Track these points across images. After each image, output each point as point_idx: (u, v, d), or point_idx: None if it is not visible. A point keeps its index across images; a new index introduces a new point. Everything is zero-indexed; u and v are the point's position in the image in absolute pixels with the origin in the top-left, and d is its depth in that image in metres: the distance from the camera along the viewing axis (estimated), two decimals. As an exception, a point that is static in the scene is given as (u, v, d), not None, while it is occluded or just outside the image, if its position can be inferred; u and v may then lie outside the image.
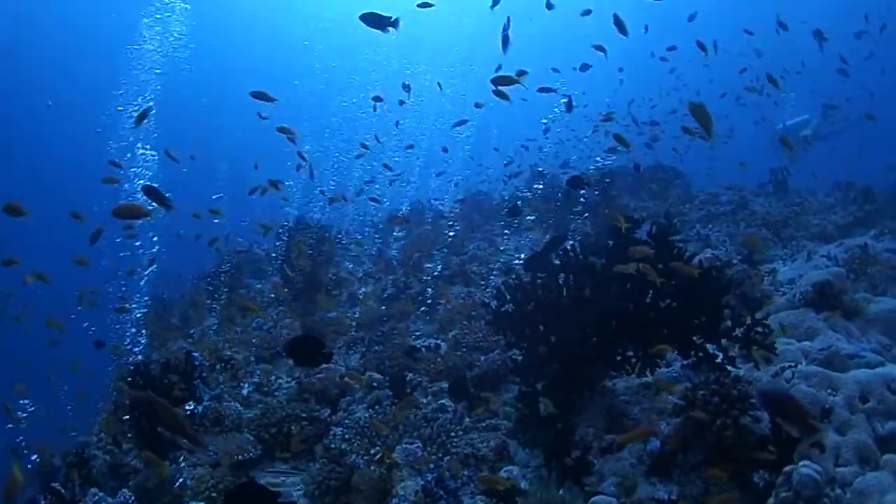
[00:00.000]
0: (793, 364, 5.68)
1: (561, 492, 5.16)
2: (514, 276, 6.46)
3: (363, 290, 10.65)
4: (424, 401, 7.00)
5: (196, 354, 7.61)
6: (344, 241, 12.86)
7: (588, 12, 9.61)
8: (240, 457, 6.56)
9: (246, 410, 7.39)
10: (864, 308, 6.87)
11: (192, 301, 11.17)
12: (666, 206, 13.50)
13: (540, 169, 15.11)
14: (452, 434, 5.96)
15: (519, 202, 13.58)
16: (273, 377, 8.16)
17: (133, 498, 6.15)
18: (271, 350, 8.89)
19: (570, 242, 6.88)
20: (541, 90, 8.74)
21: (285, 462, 6.75)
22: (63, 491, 6.29)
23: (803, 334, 6.48)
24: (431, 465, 5.64)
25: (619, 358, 5.84)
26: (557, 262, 6.07)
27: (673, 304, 5.67)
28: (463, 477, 5.64)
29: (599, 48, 9.85)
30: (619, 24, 8.01)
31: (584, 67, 12.00)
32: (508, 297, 6.09)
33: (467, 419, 6.43)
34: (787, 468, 4.27)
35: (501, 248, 12.05)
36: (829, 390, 5.25)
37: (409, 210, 15.17)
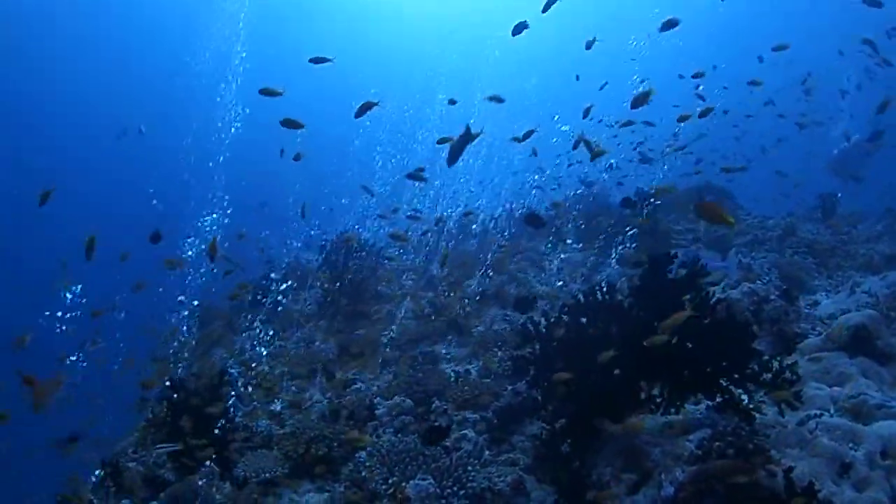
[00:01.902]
0: (818, 413, 5.62)
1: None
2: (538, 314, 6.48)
3: (402, 307, 10.73)
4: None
5: (232, 371, 7.84)
6: (386, 256, 12.98)
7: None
8: (267, 475, 6.74)
9: (276, 427, 7.58)
10: (899, 353, 6.72)
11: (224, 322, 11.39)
12: (711, 229, 13.32)
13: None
14: (470, 468, 6.00)
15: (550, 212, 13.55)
16: (307, 394, 8.35)
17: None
18: (308, 366, 9.07)
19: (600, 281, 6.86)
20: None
21: (312, 481, 6.91)
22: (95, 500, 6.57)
23: (834, 379, 6.40)
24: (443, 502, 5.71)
25: (643, 396, 5.83)
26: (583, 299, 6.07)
27: (700, 345, 5.63)
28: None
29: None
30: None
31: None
32: (534, 333, 6.14)
33: (487, 452, 6.49)
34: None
35: (543, 270, 12.04)
36: (850, 444, 5.19)
37: (455, 223, 15.15)
